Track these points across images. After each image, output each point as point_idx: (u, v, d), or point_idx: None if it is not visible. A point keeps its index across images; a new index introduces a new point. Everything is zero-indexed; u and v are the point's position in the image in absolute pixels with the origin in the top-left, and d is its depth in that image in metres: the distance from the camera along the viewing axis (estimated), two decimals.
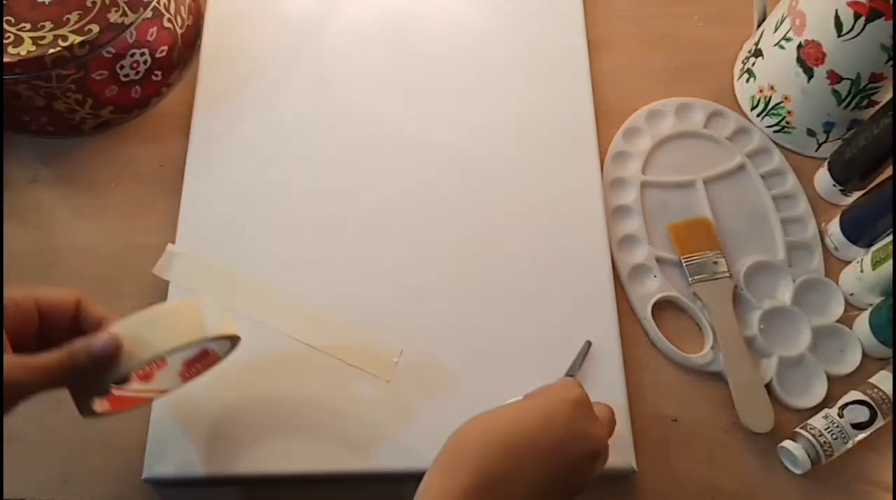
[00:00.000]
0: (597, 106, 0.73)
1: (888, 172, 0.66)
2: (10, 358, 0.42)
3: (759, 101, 0.73)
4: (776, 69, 0.70)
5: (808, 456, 0.57)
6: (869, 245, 0.65)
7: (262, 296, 0.63)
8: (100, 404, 0.50)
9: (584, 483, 0.47)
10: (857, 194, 0.68)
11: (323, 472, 0.57)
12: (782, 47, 0.69)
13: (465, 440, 0.45)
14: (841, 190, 0.68)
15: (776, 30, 0.70)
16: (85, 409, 0.48)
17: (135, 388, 0.53)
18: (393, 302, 0.63)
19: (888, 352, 0.62)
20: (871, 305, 0.64)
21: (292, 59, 0.75)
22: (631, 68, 0.77)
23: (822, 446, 0.57)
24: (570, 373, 0.59)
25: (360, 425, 0.58)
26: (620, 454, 0.57)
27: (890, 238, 0.62)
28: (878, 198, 0.64)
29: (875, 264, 0.62)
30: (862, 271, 0.64)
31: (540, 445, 0.44)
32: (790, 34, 0.67)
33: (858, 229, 0.66)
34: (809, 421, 0.59)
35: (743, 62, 0.76)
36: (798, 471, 0.58)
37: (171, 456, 0.57)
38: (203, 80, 0.74)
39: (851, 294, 0.65)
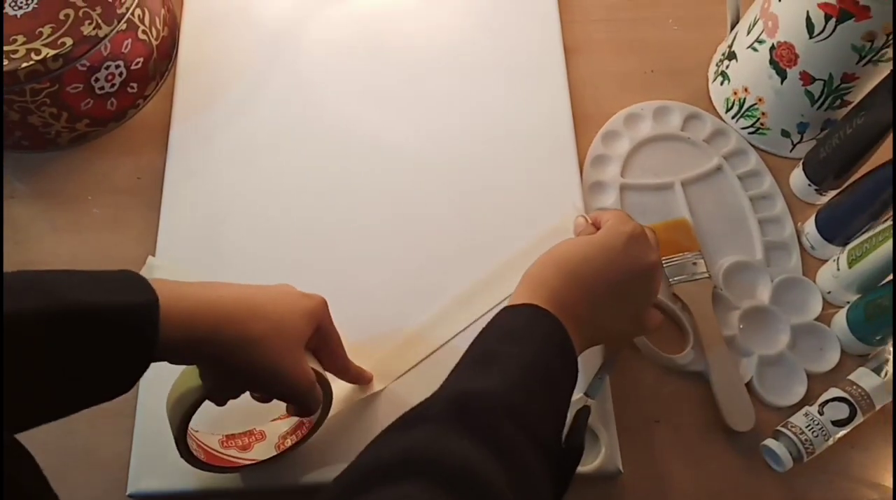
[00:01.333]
0: (575, 110, 0.73)
1: (862, 170, 0.67)
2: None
3: (733, 103, 0.74)
4: (750, 71, 0.71)
5: (790, 454, 0.58)
6: (844, 243, 0.66)
7: None
8: (196, 451, 0.51)
9: (648, 299, 0.56)
10: (831, 193, 0.69)
11: (310, 483, 0.57)
12: (755, 49, 0.69)
13: (544, 274, 0.53)
14: (816, 189, 0.69)
15: (749, 32, 0.70)
16: (182, 448, 0.50)
17: (231, 454, 0.54)
18: (374, 307, 0.63)
19: (866, 349, 0.63)
20: (847, 302, 0.65)
21: (269, 66, 0.75)
22: (608, 72, 0.78)
23: (803, 443, 0.58)
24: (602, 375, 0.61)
25: (348, 436, 0.58)
26: (606, 455, 0.58)
27: (865, 236, 0.62)
28: (852, 197, 0.65)
29: (851, 262, 0.63)
30: (838, 270, 0.64)
31: (605, 275, 0.53)
32: (763, 36, 0.68)
33: (834, 228, 0.66)
34: (790, 419, 0.59)
35: (717, 65, 0.76)
36: (780, 469, 0.59)
37: (156, 471, 0.56)
38: (180, 91, 0.74)
39: (828, 292, 0.66)
